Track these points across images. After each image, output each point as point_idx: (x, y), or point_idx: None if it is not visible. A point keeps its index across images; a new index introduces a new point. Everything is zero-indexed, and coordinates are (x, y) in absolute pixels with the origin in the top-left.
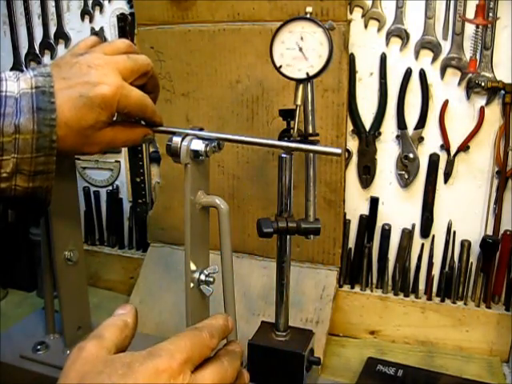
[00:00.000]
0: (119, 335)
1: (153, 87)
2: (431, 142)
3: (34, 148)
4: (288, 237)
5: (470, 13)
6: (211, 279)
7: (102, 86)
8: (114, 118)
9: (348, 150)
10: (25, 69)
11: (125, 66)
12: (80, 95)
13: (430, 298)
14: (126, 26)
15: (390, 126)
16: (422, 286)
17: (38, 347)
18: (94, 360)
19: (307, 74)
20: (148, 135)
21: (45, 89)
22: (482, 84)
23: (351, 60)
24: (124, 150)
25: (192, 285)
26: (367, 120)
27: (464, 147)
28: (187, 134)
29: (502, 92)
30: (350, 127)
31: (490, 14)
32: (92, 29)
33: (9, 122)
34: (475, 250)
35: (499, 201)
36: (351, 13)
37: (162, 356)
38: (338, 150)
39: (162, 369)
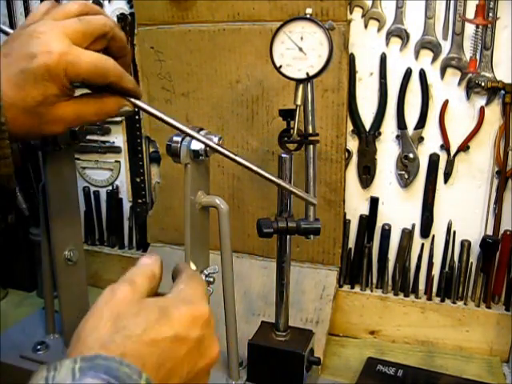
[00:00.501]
0: (149, 284)
1: (118, 50)
2: (431, 142)
3: None
4: (288, 237)
5: (470, 13)
6: (211, 279)
7: (42, 55)
8: (79, 93)
9: (348, 150)
10: None
11: (74, 30)
12: (20, 70)
13: (429, 298)
14: (126, 26)
15: (390, 125)
16: (421, 286)
17: (38, 347)
18: (129, 302)
19: (307, 74)
20: (124, 107)
21: None
22: (482, 84)
23: (351, 60)
24: (124, 150)
25: None
26: (367, 120)
27: (464, 147)
28: (170, 123)
29: (502, 92)
30: (350, 127)
31: (490, 14)
32: None
33: None
34: (475, 250)
35: (499, 201)
36: (351, 13)
37: (195, 303)
38: (314, 201)
39: (197, 315)
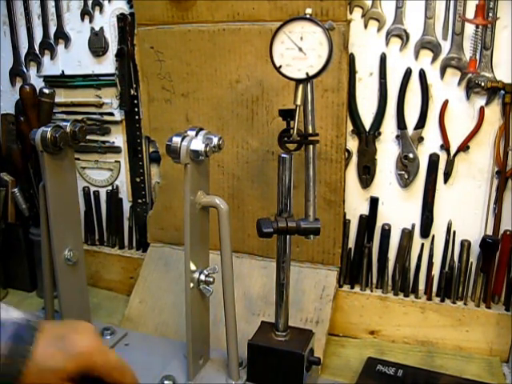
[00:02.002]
0: None
1: None
2: (431, 142)
3: None
4: (288, 237)
5: (470, 13)
6: (211, 279)
7: (80, 337)
8: None
9: (348, 150)
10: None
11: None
12: (60, 337)
13: (429, 298)
14: (125, 26)
15: (389, 126)
16: (421, 285)
17: None
18: None
19: (307, 74)
20: None
21: (33, 323)
22: (482, 84)
23: (351, 60)
24: (124, 150)
25: (192, 285)
26: (367, 120)
27: (464, 147)
28: None
29: (502, 92)
30: (350, 127)
31: (490, 14)
32: (92, 29)
33: None
34: (475, 249)
35: (499, 201)
36: (351, 13)
37: None
38: None
39: None
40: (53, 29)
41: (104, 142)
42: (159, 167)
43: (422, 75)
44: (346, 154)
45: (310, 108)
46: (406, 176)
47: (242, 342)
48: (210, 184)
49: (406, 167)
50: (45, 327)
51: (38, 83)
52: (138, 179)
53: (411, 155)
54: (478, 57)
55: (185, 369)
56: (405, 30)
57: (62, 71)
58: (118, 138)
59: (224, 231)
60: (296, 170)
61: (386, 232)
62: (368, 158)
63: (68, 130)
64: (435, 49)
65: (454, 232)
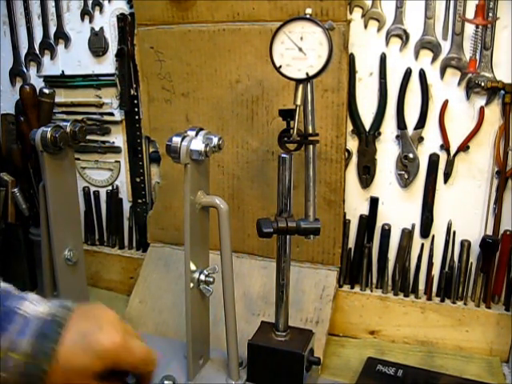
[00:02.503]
0: None
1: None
2: (431, 142)
3: (22, 372)
4: (288, 237)
5: (470, 13)
6: (211, 279)
7: (104, 334)
8: None
9: (348, 150)
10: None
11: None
12: (83, 335)
13: (429, 298)
14: (125, 26)
15: (389, 125)
16: (421, 286)
17: None
18: None
19: (307, 74)
20: None
21: (58, 319)
22: (482, 84)
23: (351, 60)
24: (124, 150)
25: (192, 285)
26: (367, 120)
27: (464, 147)
28: None
29: (502, 92)
30: (350, 127)
31: (490, 14)
32: (92, 29)
33: (8, 337)
34: (475, 250)
35: (499, 201)
36: (351, 13)
37: None
38: None
39: None
40: (53, 29)
41: (104, 141)
42: (159, 167)
43: (422, 75)
44: (346, 154)
45: (310, 108)
46: (406, 176)
47: (242, 341)
48: (210, 184)
49: (405, 167)
50: (70, 322)
51: (38, 83)
52: (138, 179)
53: (411, 155)
54: (478, 57)
55: (185, 369)
56: (405, 30)
57: (62, 71)
58: (118, 138)
59: (224, 231)
60: (296, 170)
61: (385, 232)
62: (368, 158)
63: (68, 130)
64: (435, 49)
65: (454, 232)
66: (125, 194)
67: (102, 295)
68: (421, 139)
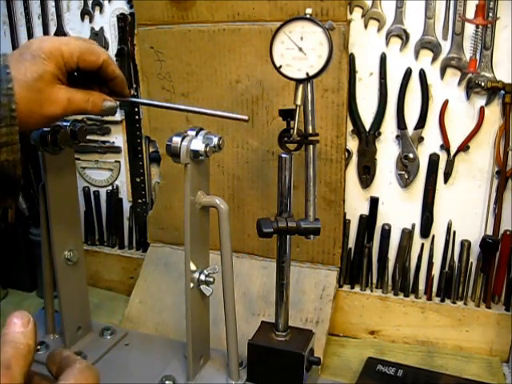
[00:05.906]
0: (25, 365)
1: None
2: (431, 142)
3: None
4: (288, 237)
5: (470, 13)
6: (211, 279)
7: (38, 42)
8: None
9: (348, 150)
10: None
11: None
12: (20, 53)
13: (429, 298)
14: (125, 26)
15: (389, 125)
16: (421, 286)
17: (38, 347)
18: None
19: (307, 73)
20: (109, 102)
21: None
22: (482, 84)
23: (351, 60)
24: (124, 150)
25: (192, 285)
26: (367, 120)
27: (464, 147)
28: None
29: (502, 92)
30: (350, 127)
31: (490, 14)
32: (92, 29)
33: None
34: (475, 250)
35: (499, 201)
36: (351, 13)
37: None
38: (245, 117)
39: None
40: (53, 29)
41: (104, 141)
42: (159, 167)
43: (422, 75)
44: (346, 154)
45: (310, 108)
46: (406, 176)
47: (242, 341)
48: (210, 184)
49: (406, 167)
50: (9, 56)
51: None
52: (138, 179)
53: (411, 155)
54: (478, 57)
55: (185, 369)
56: (405, 30)
57: None
58: (118, 138)
59: (224, 231)
60: (296, 170)
61: (386, 232)
62: (368, 158)
63: (68, 130)
64: (435, 49)
65: (454, 232)
66: (125, 193)
67: (102, 295)
68: (421, 139)
